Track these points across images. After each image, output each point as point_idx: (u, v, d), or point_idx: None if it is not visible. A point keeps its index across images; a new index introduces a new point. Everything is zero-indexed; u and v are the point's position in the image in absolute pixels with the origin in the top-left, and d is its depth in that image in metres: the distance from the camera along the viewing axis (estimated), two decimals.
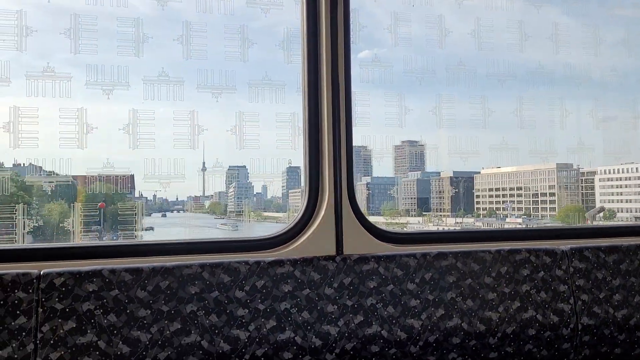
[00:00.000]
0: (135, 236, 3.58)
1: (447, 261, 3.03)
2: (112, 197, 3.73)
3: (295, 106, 3.26)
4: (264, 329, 2.67)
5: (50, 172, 3.32)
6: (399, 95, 3.78)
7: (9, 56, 2.90)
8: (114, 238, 3.75)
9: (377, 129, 3.81)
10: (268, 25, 3.47)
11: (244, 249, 2.95)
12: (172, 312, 2.58)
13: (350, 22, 3.13)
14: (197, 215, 4.86)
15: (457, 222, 5.59)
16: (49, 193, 3.51)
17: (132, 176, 3.52)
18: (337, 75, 3.06)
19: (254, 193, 5.29)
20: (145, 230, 4.33)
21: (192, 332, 2.57)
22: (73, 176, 3.39)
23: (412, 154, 5.43)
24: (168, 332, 2.54)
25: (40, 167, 3.29)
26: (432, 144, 4.20)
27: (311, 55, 3.07)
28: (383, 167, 4.92)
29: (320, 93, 3.07)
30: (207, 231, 4.95)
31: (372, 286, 2.89)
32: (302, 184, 3.15)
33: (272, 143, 3.43)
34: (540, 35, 4.07)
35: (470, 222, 5.63)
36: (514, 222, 5.76)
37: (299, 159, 3.17)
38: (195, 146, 3.30)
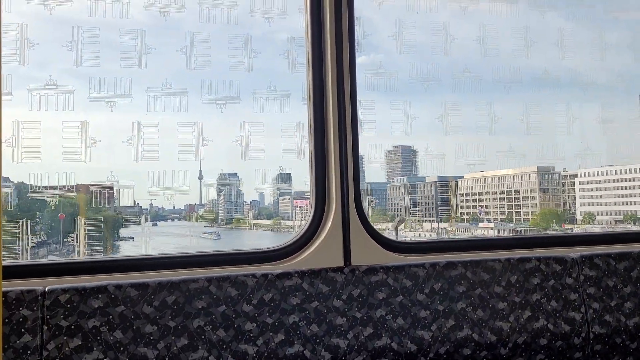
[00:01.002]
0: (107, 247, 3.54)
1: (456, 271, 2.99)
2: (77, 208, 3.67)
3: (300, 116, 3.23)
4: (273, 343, 2.63)
5: (19, 182, 3.26)
6: (405, 102, 3.75)
7: (10, 69, 2.87)
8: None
9: (384, 137, 3.78)
10: (272, 34, 3.45)
11: (251, 261, 2.91)
12: (179, 327, 2.54)
13: (355, 31, 3.11)
14: (190, 224, 4.84)
15: (434, 228, 5.59)
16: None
17: (112, 185, 3.49)
18: (343, 84, 3.03)
19: (249, 200, 5.27)
20: (124, 240, 4.29)
21: (200, 347, 2.53)
22: (47, 187, 3.33)
23: (404, 159, 5.42)
24: (175, 348, 2.50)
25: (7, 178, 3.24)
26: (439, 150, 4.17)
27: (316, 64, 3.04)
28: (374, 172, 4.90)
29: (326, 102, 3.04)
30: (187, 240, 4.91)
31: (381, 297, 2.85)
32: (309, 193, 3.12)
33: (278, 153, 3.40)
34: (546, 41, 4.04)
35: (444, 227, 5.64)
36: (486, 226, 5.76)
37: (305, 168, 3.14)
38: (200, 157, 3.27)
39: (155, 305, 2.53)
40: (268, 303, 2.68)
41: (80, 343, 2.41)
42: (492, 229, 5.78)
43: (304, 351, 2.65)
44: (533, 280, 3.08)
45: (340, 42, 3.04)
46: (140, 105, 3.12)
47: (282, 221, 5.19)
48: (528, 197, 5.71)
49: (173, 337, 2.51)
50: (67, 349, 2.39)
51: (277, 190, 4.93)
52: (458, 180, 5.80)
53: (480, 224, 5.78)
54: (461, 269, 3.00)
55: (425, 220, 5.64)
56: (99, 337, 2.44)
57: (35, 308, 2.41)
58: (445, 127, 3.83)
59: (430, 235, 5.50)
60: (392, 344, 2.78)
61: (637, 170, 5.70)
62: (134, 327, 2.48)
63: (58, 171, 3.09)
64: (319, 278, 2.79)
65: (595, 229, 5.72)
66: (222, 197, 4.95)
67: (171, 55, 3.20)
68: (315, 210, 3.04)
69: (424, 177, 5.64)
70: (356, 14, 3.13)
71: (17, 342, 2.36)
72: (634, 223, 5.73)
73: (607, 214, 5.83)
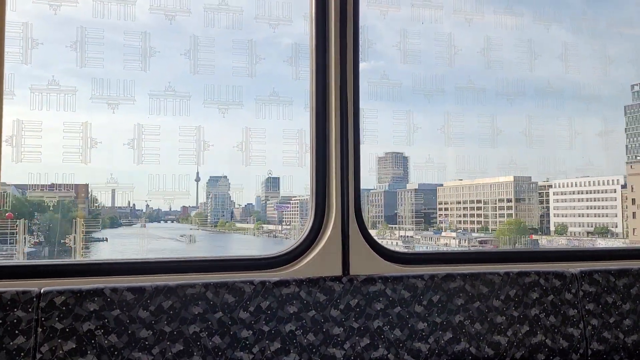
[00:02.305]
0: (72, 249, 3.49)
1: (455, 283, 2.97)
2: (30, 207, 3.59)
3: (303, 122, 3.22)
4: (268, 352, 2.60)
5: None
6: (408, 112, 3.75)
7: (13, 68, 2.86)
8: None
9: (386, 146, 3.78)
10: (276, 39, 3.44)
11: (249, 267, 2.89)
12: (175, 333, 2.51)
13: (360, 39, 3.10)
14: (180, 226, 4.82)
15: (401, 236, 5.59)
16: None
17: (87, 185, 3.45)
18: (346, 92, 3.02)
19: (244, 204, 5.25)
20: (95, 242, 4.23)
21: (195, 354, 2.51)
22: (17, 185, 3.29)
23: (396, 166, 5.42)
24: (170, 353, 2.48)
25: None
26: (440, 161, 4.16)
27: (320, 71, 3.03)
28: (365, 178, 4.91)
29: (329, 109, 3.02)
30: (160, 243, 4.88)
31: (378, 308, 2.82)
32: (309, 201, 3.10)
33: (279, 159, 3.40)
34: (550, 54, 4.05)
35: (410, 235, 5.64)
36: (449, 236, 5.77)
37: (306, 176, 3.12)
38: (200, 162, 3.26)
39: (151, 310, 2.51)
40: (265, 311, 2.66)
41: (74, 346, 2.39)
42: (454, 238, 5.80)
43: None
44: (532, 295, 3.06)
45: (344, 49, 3.03)
46: (143, 107, 3.12)
47: (263, 225, 5.17)
48: (504, 206, 5.73)
49: (168, 343, 2.49)
50: (60, 352, 2.37)
51: (265, 194, 4.91)
52: (437, 188, 5.82)
53: (443, 233, 5.81)
54: (460, 281, 2.98)
55: (402, 228, 5.67)
56: (93, 341, 2.41)
57: (30, 309, 2.39)
58: (447, 137, 3.82)
59: (397, 243, 5.50)
60: (388, 355, 2.75)
61: (611, 182, 5.70)
62: (129, 332, 2.46)
63: (58, 172, 3.07)
64: (317, 287, 2.77)
65: (562, 240, 5.73)
66: (209, 200, 4.93)
67: (175, 58, 3.19)
68: (315, 218, 3.01)
69: (405, 185, 5.66)
70: (361, 22, 3.12)
71: (10, 343, 2.33)
72: (604, 235, 5.73)
73: (579, 226, 5.84)
